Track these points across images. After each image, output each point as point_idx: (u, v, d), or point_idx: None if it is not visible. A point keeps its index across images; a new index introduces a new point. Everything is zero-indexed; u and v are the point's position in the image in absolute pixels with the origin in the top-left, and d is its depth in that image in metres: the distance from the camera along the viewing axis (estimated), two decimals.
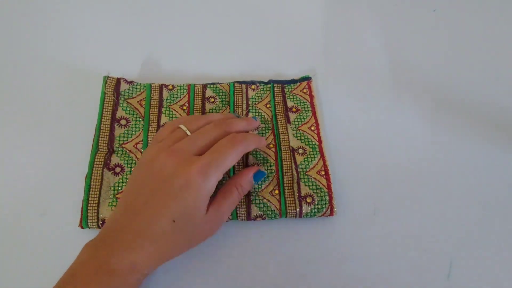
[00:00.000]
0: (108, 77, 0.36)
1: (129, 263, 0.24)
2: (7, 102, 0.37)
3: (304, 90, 0.38)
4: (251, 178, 0.29)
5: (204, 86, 0.37)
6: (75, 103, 0.37)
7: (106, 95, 0.35)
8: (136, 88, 0.37)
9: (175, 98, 0.36)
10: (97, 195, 0.30)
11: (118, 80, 0.36)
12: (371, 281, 0.29)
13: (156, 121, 0.35)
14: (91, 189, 0.30)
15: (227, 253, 0.30)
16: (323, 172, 0.32)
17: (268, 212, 0.30)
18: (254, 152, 0.34)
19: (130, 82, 0.37)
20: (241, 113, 0.36)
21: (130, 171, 0.32)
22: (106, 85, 0.36)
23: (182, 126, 0.29)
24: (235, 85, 0.38)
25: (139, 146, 0.33)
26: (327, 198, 0.31)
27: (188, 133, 0.28)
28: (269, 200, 0.31)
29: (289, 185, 0.32)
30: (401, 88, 0.39)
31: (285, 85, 0.38)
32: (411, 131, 0.36)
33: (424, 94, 0.39)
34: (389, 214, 0.32)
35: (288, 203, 0.31)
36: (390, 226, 0.31)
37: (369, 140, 0.36)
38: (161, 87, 0.37)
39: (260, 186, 0.32)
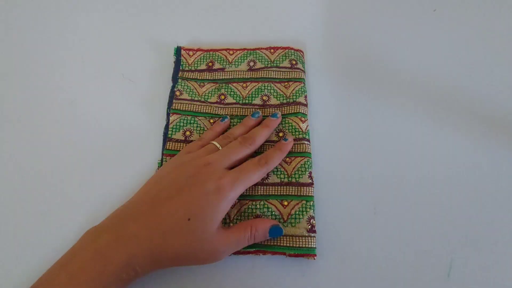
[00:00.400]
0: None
1: (126, 256, 0.24)
2: (8, 101, 0.37)
3: (190, 54, 0.40)
4: (268, 229, 0.29)
5: (170, 139, 0.35)
6: (74, 103, 0.37)
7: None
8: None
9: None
10: None
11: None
12: (371, 281, 0.29)
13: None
14: None
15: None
16: (272, 50, 0.39)
17: (303, 88, 0.37)
18: (250, 98, 0.37)
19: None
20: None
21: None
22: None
23: (214, 143, 0.32)
24: (173, 107, 0.36)
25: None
26: (292, 51, 0.39)
27: (220, 147, 0.32)
28: (293, 89, 0.37)
29: (282, 74, 0.38)
30: (401, 88, 0.39)
31: (181, 68, 0.39)
32: (411, 131, 0.36)
33: (424, 94, 0.39)
34: (389, 214, 0.32)
35: (296, 76, 0.38)
36: (390, 226, 0.31)
37: (369, 140, 0.36)
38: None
39: (278, 94, 0.37)
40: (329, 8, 0.46)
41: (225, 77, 0.38)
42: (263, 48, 0.40)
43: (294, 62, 0.38)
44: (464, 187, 0.33)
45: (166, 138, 0.35)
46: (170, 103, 0.37)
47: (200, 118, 0.36)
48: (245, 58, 0.39)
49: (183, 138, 0.35)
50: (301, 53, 0.40)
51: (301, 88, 0.37)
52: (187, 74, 0.39)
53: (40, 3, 0.45)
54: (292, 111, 0.36)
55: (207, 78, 0.39)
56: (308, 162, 0.33)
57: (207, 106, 0.37)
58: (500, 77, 0.40)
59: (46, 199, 0.32)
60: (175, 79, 0.39)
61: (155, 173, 0.31)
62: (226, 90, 0.38)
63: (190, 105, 0.37)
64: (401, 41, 0.43)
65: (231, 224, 0.31)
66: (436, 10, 0.45)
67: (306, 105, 0.36)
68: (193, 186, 0.27)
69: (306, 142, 0.34)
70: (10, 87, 0.39)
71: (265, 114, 0.36)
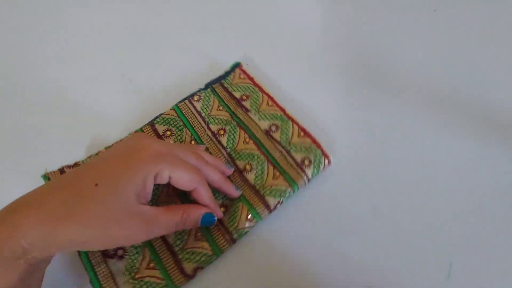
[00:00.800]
0: (47, 173, 0.31)
1: (6, 227, 0.19)
2: (8, 101, 0.37)
3: (242, 76, 0.38)
4: (200, 217, 0.27)
5: (152, 125, 0.35)
6: (73, 103, 0.37)
7: None
8: None
9: None
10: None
11: (62, 170, 0.32)
12: (371, 281, 0.29)
13: None
14: None
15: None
16: (302, 133, 0.34)
17: (284, 195, 0.31)
18: (238, 155, 0.33)
19: (75, 165, 0.33)
20: (206, 134, 0.35)
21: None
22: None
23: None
24: (179, 105, 0.36)
25: None
26: (319, 152, 0.32)
27: None
28: (278, 184, 0.31)
29: (284, 162, 0.32)
30: (401, 88, 0.39)
31: (223, 81, 0.38)
32: (412, 131, 0.36)
33: (423, 94, 0.39)
34: (389, 214, 0.32)
35: (293, 176, 0.31)
36: (389, 227, 0.31)
37: (369, 140, 0.36)
38: None
39: (261, 175, 0.32)
40: (330, 9, 0.46)
41: (242, 119, 0.35)
42: (297, 124, 0.34)
43: (307, 163, 0.32)
44: (464, 187, 0.33)
45: (150, 122, 0.35)
46: (183, 99, 0.37)
47: (187, 132, 0.35)
48: (274, 118, 0.35)
49: (161, 133, 0.35)
50: (327, 160, 0.32)
51: (284, 192, 0.31)
52: (220, 89, 0.38)
53: (40, 2, 0.45)
54: (251, 203, 0.31)
55: (230, 107, 0.36)
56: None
57: (203, 130, 0.35)
58: (500, 77, 0.40)
59: None
60: (208, 85, 0.38)
61: None
62: (231, 128, 0.35)
63: (193, 115, 0.36)
64: (401, 41, 0.43)
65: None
66: (436, 10, 0.45)
67: (270, 210, 0.30)
68: (115, 153, 0.24)
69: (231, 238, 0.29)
70: (9, 87, 0.39)
71: (233, 178, 0.33)
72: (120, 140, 0.28)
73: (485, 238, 0.31)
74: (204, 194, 0.27)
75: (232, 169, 0.33)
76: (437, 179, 0.34)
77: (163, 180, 0.25)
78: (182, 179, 0.26)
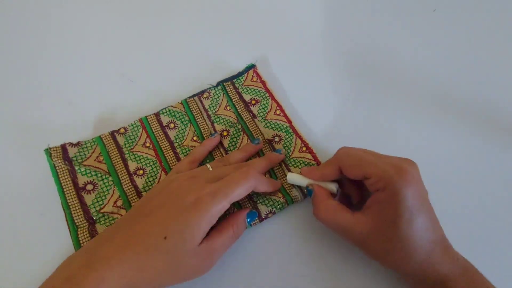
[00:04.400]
0: (50, 148, 0.32)
1: (95, 281, 0.22)
2: (7, 101, 0.37)
3: (254, 79, 0.37)
4: (245, 218, 0.29)
5: (157, 115, 0.35)
6: (73, 103, 0.37)
7: (57, 167, 0.31)
8: (86, 147, 0.33)
9: (133, 140, 0.34)
10: None
11: (63, 147, 0.32)
12: (371, 280, 0.29)
13: (125, 171, 0.32)
14: None
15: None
16: (304, 148, 0.33)
17: (277, 205, 0.30)
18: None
19: (77, 144, 0.33)
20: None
21: None
22: (52, 157, 0.31)
23: (208, 165, 0.30)
24: (188, 100, 0.36)
25: (119, 203, 0.31)
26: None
27: (211, 169, 0.30)
28: (273, 195, 0.31)
29: (282, 174, 0.32)
30: (401, 88, 0.39)
31: (234, 81, 0.38)
32: (411, 130, 0.36)
33: (423, 93, 0.39)
34: None
35: (289, 190, 0.31)
36: None
37: (369, 140, 0.36)
38: (112, 134, 0.34)
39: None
40: (330, 8, 0.46)
41: (247, 124, 0.35)
42: (301, 138, 0.34)
43: None
44: (465, 187, 0.33)
45: (156, 112, 0.35)
46: (193, 95, 0.37)
47: (191, 127, 0.35)
48: (279, 128, 0.34)
49: (164, 124, 0.35)
50: None
51: (277, 203, 0.31)
52: (231, 88, 0.37)
53: (41, 2, 0.45)
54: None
55: (237, 108, 0.36)
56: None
57: (207, 128, 0.35)
58: (500, 77, 0.40)
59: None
60: (219, 83, 0.37)
61: (148, 191, 0.30)
62: (234, 131, 0.35)
63: (199, 112, 0.36)
64: (401, 41, 0.43)
65: None
66: (436, 10, 0.45)
67: (262, 219, 0.30)
68: (174, 199, 0.26)
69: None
70: (8, 87, 0.39)
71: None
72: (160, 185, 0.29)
73: (485, 238, 0.31)
74: (264, 188, 0.29)
75: (259, 141, 0.34)
76: (438, 178, 0.33)
77: (225, 208, 0.26)
78: (241, 193, 0.27)
